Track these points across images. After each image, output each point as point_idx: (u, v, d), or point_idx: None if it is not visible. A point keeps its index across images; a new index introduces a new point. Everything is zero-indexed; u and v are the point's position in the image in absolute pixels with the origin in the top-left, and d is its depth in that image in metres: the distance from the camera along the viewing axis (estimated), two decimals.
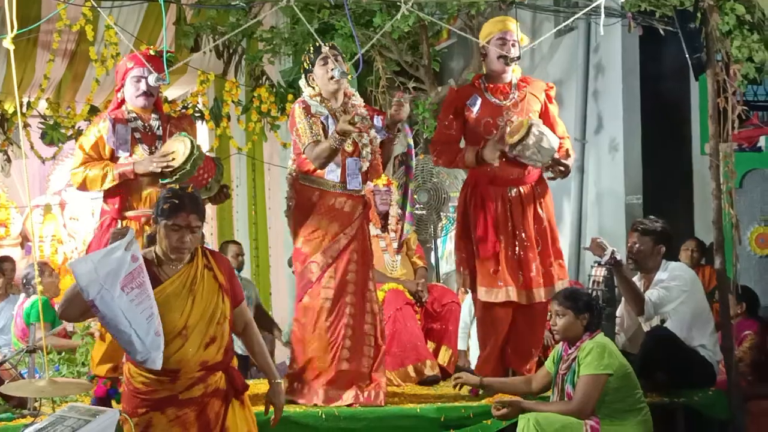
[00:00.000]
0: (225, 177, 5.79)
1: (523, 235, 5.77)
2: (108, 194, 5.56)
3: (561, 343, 5.26)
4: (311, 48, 5.71)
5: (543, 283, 5.79)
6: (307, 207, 5.63)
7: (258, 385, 5.55)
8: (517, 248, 5.76)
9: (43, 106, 9.71)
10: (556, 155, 5.72)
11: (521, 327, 5.84)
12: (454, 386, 5.53)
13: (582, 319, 5.09)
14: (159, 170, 5.29)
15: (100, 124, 5.57)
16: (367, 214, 5.77)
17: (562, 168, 5.79)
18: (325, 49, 5.56)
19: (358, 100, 5.77)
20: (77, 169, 5.51)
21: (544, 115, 5.90)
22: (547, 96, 5.96)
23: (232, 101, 9.79)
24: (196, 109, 9.78)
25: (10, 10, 5.12)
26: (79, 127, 9.40)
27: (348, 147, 5.55)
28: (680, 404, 5.66)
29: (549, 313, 5.42)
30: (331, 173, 5.57)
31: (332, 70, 5.55)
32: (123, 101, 5.65)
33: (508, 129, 5.68)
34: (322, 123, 5.54)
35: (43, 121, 9.51)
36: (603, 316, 5.42)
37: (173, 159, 5.29)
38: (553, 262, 5.85)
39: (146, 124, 5.58)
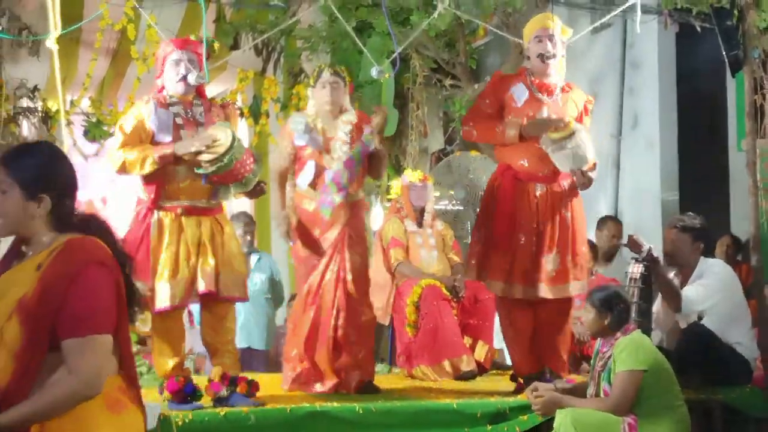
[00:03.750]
0: (263, 173, 5.82)
1: (547, 233, 5.71)
2: (145, 183, 5.45)
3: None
4: (318, 68, 5.93)
5: (563, 280, 5.73)
6: (298, 211, 5.87)
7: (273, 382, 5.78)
8: (535, 245, 5.69)
9: (85, 104, 9.85)
10: (586, 167, 5.65)
11: (543, 324, 5.82)
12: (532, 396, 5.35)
13: (603, 318, 5.05)
14: (201, 150, 5.21)
15: (142, 106, 5.46)
16: (352, 222, 5.84)
17: (585, 181, 5.70)
18: (326, 75, 5.80)
19: (351, 116, 5.89)
20: (117, 151, 5.38)
21: None
22: (585, 108, 5.92)
23: (271, 98, 9.88)
24: (236, 106, 9.87)
25: (54, 10, 5.23)
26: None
27: (329, 163, 5.74)
28: (717, 401, 5.65)
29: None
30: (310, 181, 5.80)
31: (329, 95, 5.77)
32: (164, 88, 5.54)
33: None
34: (291, 141, 5.79)
35: (85, 118, 9.66)
36: (630, 314, 5.33)
37: (215, 146, 5.24)
38: (576, 262, 5.79)
39: (188, 110, 5.48)
